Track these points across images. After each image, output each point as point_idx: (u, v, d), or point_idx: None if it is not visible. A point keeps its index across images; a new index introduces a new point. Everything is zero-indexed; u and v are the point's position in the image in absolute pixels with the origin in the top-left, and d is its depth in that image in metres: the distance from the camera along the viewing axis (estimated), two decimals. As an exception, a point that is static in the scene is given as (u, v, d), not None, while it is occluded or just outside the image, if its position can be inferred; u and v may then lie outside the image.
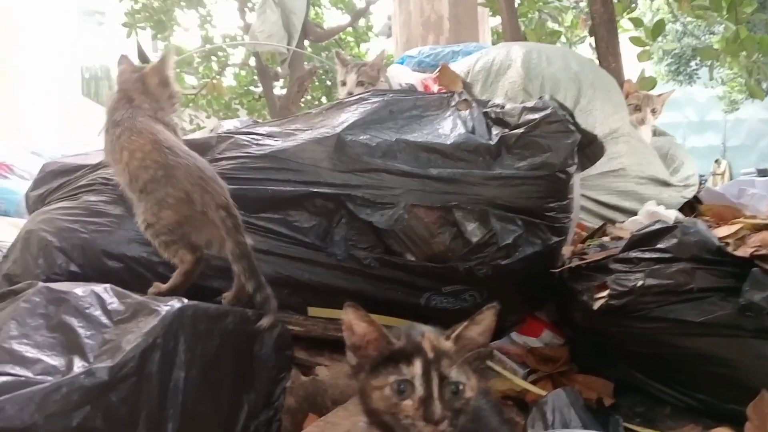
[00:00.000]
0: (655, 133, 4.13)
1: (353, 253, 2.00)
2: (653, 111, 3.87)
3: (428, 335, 1.04)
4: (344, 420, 1.66)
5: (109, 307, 1.42)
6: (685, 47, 14.38)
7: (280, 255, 1.96)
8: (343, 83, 2.84)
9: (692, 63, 15.06)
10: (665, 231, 1.84)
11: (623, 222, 2.81)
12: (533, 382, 2.05)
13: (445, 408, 0.97)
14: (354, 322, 1.04)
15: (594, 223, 3.01)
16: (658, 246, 1.82)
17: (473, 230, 2.02)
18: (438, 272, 2.03)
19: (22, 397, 1.12)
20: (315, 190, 2.00)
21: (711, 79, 7.26)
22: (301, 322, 1.95)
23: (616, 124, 3.25)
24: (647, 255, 1.83)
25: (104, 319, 1.38)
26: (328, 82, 10.28)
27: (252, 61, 9.35)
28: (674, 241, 1.80)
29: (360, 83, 2.78)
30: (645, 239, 1.87)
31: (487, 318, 1.06)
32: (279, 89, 9.12)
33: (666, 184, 3.51)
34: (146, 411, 1.28)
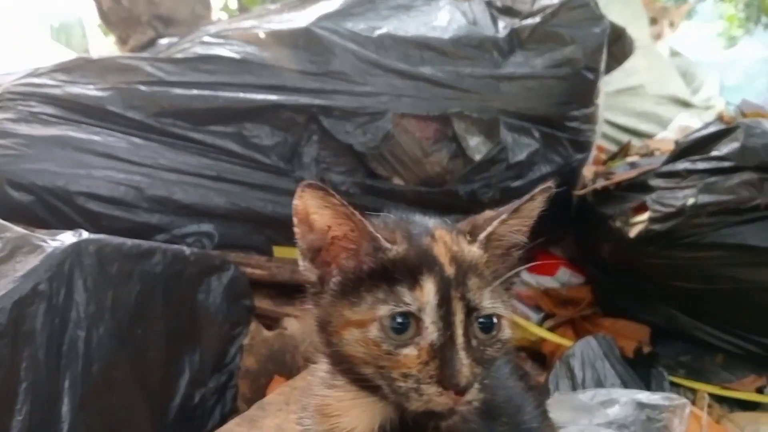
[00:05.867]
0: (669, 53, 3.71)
1: (327, 178, 1.60)
2: (671, 24, 3.44)
3: (441, 234, 0.62)
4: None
5: (-22, 244, 1.01)
6: (684, -20, 13.77)
7: (235, 181, 1.55)
8: None
9: (690, -2, 14.45)
10: (723, 134, 1.45)
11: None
12: (551, 329, 1.70)
13: (475, 362, 0.57)
14: (313, 210, 0.60)
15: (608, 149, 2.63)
16: (715, 153, 1.43)
17: (477, 145, 1.62)
18: (433, 198, 1.63)
19: None
20: (278, 98, 1.58)
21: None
22: (264, 264, 1.56)
23: (635, 34, 2.81)
24: (700, 165, 1.44)
25: (-31, 260, 0.98)
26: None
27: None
28: (735, 145, 1.40)
29: None
30: (697, 145, 1.48)
31: (536, 204, 0.64)
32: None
33: (687, 104, 3.12)
34: (27, 383, 0.91)
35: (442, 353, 0.56)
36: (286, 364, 1.46)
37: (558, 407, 1.16)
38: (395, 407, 0.61)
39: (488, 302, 0.60)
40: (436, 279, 0.58)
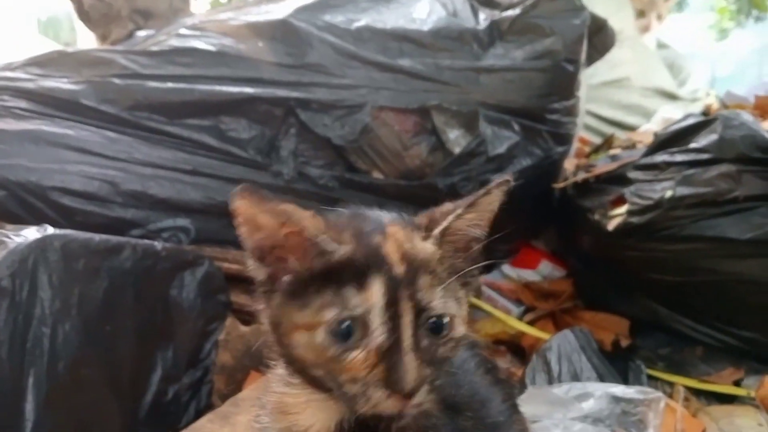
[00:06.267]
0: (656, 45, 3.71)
1: (305, 172, 1.58)
2: (658, 17, 3.44)
3: (393, 231, 0.60)
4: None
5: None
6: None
7: (212, 176, 1.53)
8: None
9: (682, -12, 14.43)
10: (701, 126, 1.44)
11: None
12: (531, 323, 1.69)
13: (425, 363, 0.56)
14: (258, 211, 0.58)
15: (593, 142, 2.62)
16: (693, 145, 1.42)
17: (457, 138, 1.61)
18: (413, 192, 1.62)
19: None
20: (255, 90, 1.56)
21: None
22: (242, 259, 1.51)
23: (620, 25, 2.79)
24: (678, 157, 1.43)
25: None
26: None
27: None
28: (714, 137, 1.40)
29: None
30: (675, 137, 1.47)
31: (493, 198, 0.61)
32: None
33: (673, 97, 3.11)
34: (-11, 381, 0.89)
35: (389, 356, 0.55)
36: (263, 360, 1.44)
37: (532, 401, 1.16)
38: (347, 408, 0.60)
39: (439, 301, 0.58)
40: (384, 279, 0.56)
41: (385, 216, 0.65)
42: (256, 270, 0.62)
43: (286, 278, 0.60)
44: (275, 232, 0.59)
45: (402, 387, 0.54)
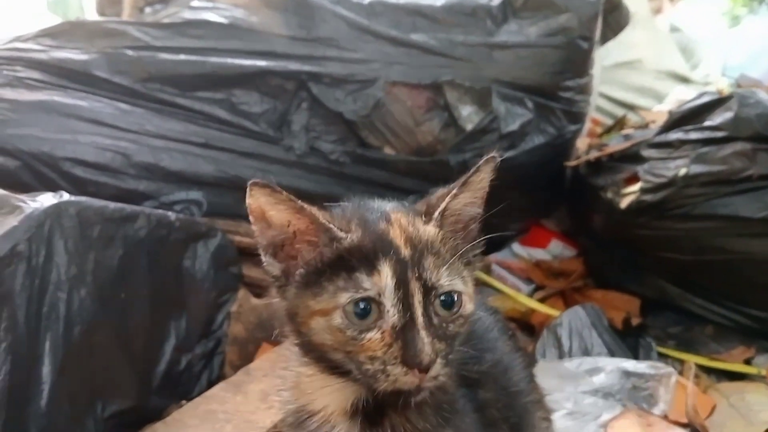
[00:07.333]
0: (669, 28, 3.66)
1: (317, 146, 1.58)
2: (671, -1, 3.39)
3: (396, 217, 0.63)
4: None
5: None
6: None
7: (223, 149, 1.53)
8: None
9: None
10: (717, 103, 1.43)
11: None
12: (541, 301, 1.70)
13: (437, 339, 0.59)
14: (269, 207, 0.61)
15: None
16: (708, 123, 1.41)
17: (469, 115, 1.60)
18: (424, 169, 1.62)
19: None
20: (267, 63, 1.55)
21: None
22: (254, 233, 1.54)
23: (634, 6, 2.76)
24: (693, 135, 1.42)
25: (-55, 221, 0.97)
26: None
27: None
28: (729, 115, 1.38)
29: None
30: (690, 115, 1.46)
31: (483, 174, 0.64)
32: None
33: (685, 80, 3.08)
34: (6, 344, 0.90)
35: (403, 334, 0.58)
36: (275, 333, 1.45)
37: (543, 375, 1.15)
38: (366, 387, 0.62)
39: (446, 280, 0.61)
40: (392, 262, 0.59)
41: (387, 204, 0.68)
42: (270, 266, 0.65)
43: (299, 271, 0.63)
44: (286, 228, 0.62)
45: (419, 362, 0.56)
